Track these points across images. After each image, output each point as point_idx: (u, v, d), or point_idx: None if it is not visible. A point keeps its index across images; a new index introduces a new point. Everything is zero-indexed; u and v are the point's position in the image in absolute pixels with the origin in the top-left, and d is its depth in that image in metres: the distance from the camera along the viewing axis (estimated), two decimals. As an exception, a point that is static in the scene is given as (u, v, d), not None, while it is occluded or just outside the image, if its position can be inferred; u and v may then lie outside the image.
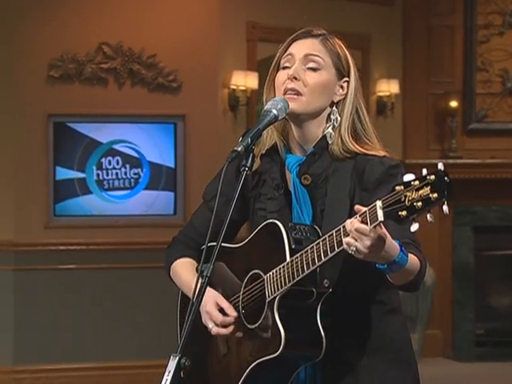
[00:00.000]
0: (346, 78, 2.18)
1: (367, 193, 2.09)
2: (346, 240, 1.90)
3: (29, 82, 5.90)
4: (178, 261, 2.35)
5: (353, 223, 1.89)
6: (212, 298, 2.16)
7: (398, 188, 1.83)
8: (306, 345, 2.09)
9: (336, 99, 2.18)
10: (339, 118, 2.16)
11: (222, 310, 2.17)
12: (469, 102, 7.18)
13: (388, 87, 6.83)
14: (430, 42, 7.18)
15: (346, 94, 2.18)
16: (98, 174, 6.01)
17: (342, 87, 2.18)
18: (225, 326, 2.16)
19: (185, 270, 2.32)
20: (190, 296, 2.21)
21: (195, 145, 6.06)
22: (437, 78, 7.18)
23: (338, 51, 2.18)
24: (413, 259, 1.98)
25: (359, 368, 2.13)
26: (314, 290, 2.07)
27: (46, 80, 5.92)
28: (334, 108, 2.18)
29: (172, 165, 6.10)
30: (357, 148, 2.14)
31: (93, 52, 5.97)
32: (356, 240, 1.88)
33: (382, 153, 2.14)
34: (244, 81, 6.15)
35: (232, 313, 2.16)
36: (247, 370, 2.13)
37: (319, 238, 2.05)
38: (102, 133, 6.02)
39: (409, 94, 7.09)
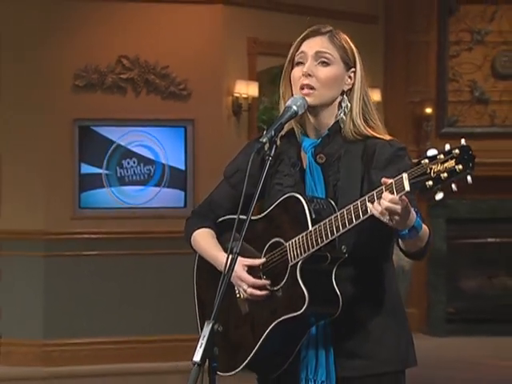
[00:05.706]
0: (353, 69, 2.30)
1: (377, 170, 2.20)
2: (379, 209, 1.99)
3: (57, 91, 6.12)
4: (198, 231, 2.42)
5: (386, 196, 1.98)
6: (239, 262, 2.20)
7: (423, 162, 1.90)
8: (325, 303, 2.18)
9: (346, 88, 2.29)
10: (349, 105, 2.28)
11: (249, 270, 2.25)
12: (442, 109, 7.48)
13: (371, 96, 7.25)
14: (408, 56, 7.44)
15: (354, 83, 2.29)
16: (117, 171, 6.23)
17: (350, 77, 2.29)
18: (256, 287, 2.23)
19: (205, 239, 2.40)
20: (211, 261, 2.35)
21: (203, 146, 6.26)
22: (414, 88, 7.44)
23: (345, 45, 2.29)
24: (424, 226, 2.11)
25: (364, 327, 2.25)
26: (328, 254, 2.16)
27: (72, 88, 6.15)
28: (345, 96, 2.29)
29: (182, 164, 6.30)
30: (368, 131, 2.26)
31: (113, 64, 6.20)
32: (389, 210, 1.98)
33: (388, 137, 2.27)
34: (246, 89, 6.35)
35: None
36: (270, 327, 2.19)
37: (334, 209, 2.17)
38: (121, 135, 6.25)
39: (389, 101, 7.28)
